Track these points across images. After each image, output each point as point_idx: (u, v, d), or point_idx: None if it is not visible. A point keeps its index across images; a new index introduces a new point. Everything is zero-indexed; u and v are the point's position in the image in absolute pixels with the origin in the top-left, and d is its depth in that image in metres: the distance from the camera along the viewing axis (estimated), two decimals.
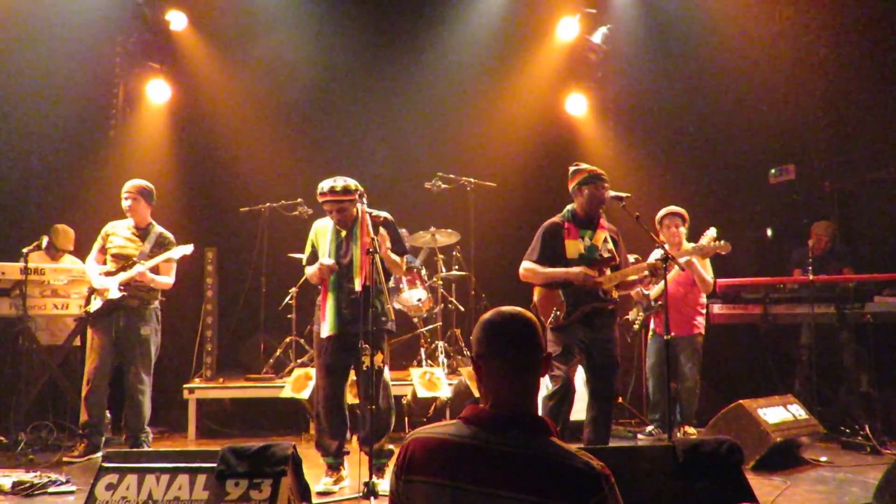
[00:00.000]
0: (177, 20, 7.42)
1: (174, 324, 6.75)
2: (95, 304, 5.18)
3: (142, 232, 5.33)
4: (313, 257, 4.61)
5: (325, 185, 4.43)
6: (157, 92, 7.43)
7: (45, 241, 5.89)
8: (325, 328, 4.44)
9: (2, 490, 4.25)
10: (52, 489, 4.29)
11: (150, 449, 4.93)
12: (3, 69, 6.39)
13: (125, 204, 5.25)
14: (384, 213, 4.60)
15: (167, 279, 5.30)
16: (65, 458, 5.03)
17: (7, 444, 5.37)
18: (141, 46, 7.42)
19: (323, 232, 4.60)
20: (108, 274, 5.19)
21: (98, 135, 7.18)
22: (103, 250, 5.30)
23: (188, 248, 5.33)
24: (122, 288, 5.12)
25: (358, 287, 4.38)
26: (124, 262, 5.21)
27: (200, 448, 5.54)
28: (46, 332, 6.09)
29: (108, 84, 7.31)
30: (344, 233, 4.53)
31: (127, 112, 7.44)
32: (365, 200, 4.45)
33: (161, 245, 5.32)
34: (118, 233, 5.31)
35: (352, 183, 4.41)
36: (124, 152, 7.19)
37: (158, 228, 5.39)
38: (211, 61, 7.69)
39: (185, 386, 6.10)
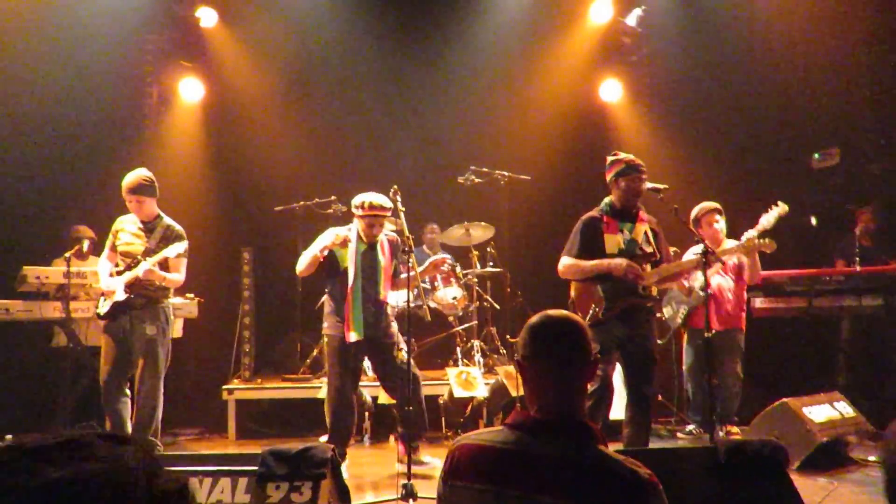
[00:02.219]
0: (207, 17, 7.41)
1: (212, 324, 6.84)
2: (104, 306, 5.01)
3: (148, 226, 5.07)
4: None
5: (365, 199, 4.72)
6: (190, 90, 7.46)
7: (86, 244, 6.00)
8: (352, 334, 4.72)
9: None
10: None
11: (193, 452, 4.96)
12: (36, 70, 6.47)
13: (131, 206, 5.03)
14: (396, 235, 4.98)
15: (177, 276, 5.04)
16: None
17: None
18: (172, 44, 7.46)
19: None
20: (120, 273, 5.01)
21: (132, 134, 7.23)
22: (114, 248, 5.10)
23: (182, 246, 5.01)
24: (127, 289, 4.92)
25: (382, 295, 4.81)
26: (130, 259, 5.00)
27: (241, 450, 5.66)
28: (89, 334, 6.18)
29: (141, 83, 7.36)
30: (365, 246, 4.82)
31: (161, 111, 7.49)
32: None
33: (168, 239, 5.04)
34: (126, 228, 5.07)
35: (387, 200, 4.71)
36: (159, 152, 7.23)
37: (166, 221, 5.12)
38: (242, 58, 7.68)
39: (223, 387, 6.17)
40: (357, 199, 4.76)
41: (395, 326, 4.97)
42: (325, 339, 4.98)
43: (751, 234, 4.98)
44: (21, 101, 6.44)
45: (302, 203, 6.86)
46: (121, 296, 4.93)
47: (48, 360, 5.95)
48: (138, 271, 4.86)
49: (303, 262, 4.83)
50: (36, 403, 5.90)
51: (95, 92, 6.75)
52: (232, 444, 5.94)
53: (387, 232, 4.91)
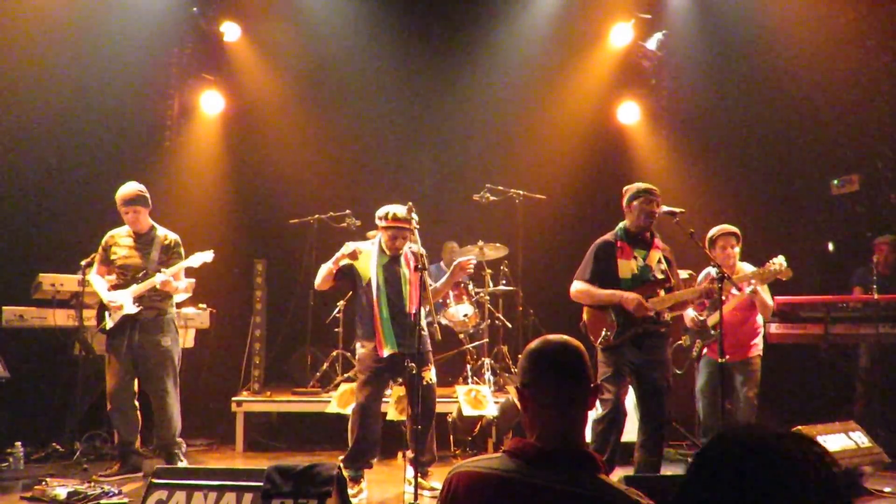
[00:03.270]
0: (231, 31, 7.52)
1: (223, 335, 6.86)
2: (111, 320, 5.01)
3: (143, 238, 5.12)
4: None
5: (389, 210, 4.67)
6: (211, 103, 7.54)
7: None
8: (386, 349, 4.64)
9: (57, 500, 4.35)
10: (104, 500, 4.36)
11: (199, 466, 4.95)
12: (61, 80, 6.54)
13: (128, 218, 5.07)
14: (422, 248, 4.83)
15: (182, 284, 5.16)
16: (94, 478, 4.89)
17: (63, 453, 5.50)
18: (196, 58, 7.56)
19: (366, 253, 4.79)
20: (117, 287, 5.03)
21: (153, 146, 7.32)
22: (106, 262, 5.12)
23: (209, 255, 5.12)
24: (136, 302, 4.96)
25: (411, 309, 4.68)
26: (133, 272, 5.02)
27: (248, 463, 5.66)
28: (101, 342, 6.20)
29: (163, 95, 7.45)
30: (387, 258, 4.75)
31: (181, 123, 7.57)
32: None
33: (169, 249, 5.11)
34: (120, 242, 5.10)
35: (410, 211, 4.63)
36: (178, 163, 7.33)
37: (161, 231, 5.16)
38: (263, 73, 7.78)
39: (233, 399, 6.16)
40: (381, 211, 4.72)
41: (428, 343, 4.81)
42: (357, 356, 4.87)
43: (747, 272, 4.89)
44: (46, 109, 6.53)
45: (316, 216, 6.87)
46: (131, 308, 4.94)
47: (61, 368, 5.98)
48: (155, 281, 4.89)
49: (319, 276, 4.79)
50: (47, 411, 5.94)
51: (119, 103, 6.84)
52: (239, 456, 5.94)
53: (410, 245, 4.81)
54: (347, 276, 4.80)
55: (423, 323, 4.71)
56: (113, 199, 6.68)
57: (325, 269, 4.74)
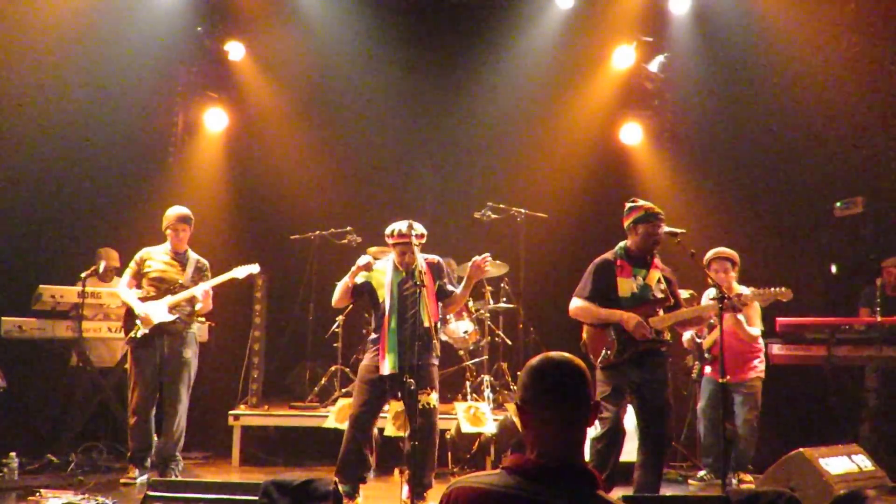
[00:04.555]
0: (235, 50, 7.59)
1: (221, 349, 6.84)
2: (142, 330, 5.15)
3: (180, 256, 5.38)
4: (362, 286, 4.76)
5: (394, 227, 4.64)
6: (215, 120, 7.60)
7: (102, 265, 6.06)
8: (386, 366, 4.56)
9: None
10: None
11: (195, 479, 4.93)
12: (66, 96, 6.61)
13: (176, 235, 5.30)
14: (436, 257, 4.82)
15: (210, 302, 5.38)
16: (122, 480, 5.09)
17: (59, 465, 5.48)
18: (200, 76, 7.63)
19: (381, 270, 4.76)
20: (148, 299, 5.21)
21: (157, 161, 7.38)
22: (138, 275, 5.31)
23: (255, 268, 5.48)
24: (171, 311, 5.18)
25: (428, 322, 4.57)
26: (167, 285, 5.25)
27: (244, 476, 5.63)
28: (100, 354, 6.20)
29: (168, 112, 7.52)
30: (403, 273, 4.70)
31: (186, 139, 7.63)
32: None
33: (200, 270, 5.39)
34: (155, 258, 5.33)
35: (419, 226, 4.63)
36: (182, 178, 7.37)
37: (194, 255, 5.44)
38: (266, 90, 7.84)
39: (230, 412, 6.14)
40: (388, 229, 4.68)
41: (434, 363, 4.70)
42: (361, 364, 4.83)
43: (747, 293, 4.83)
44: (51, 124, 6.58)
45: (318, 232, 6.90)
46: (167, 317, 5.16)
47: (59, 380, 5.97)
48: (196, 291, 5.19)
49: (336, 293, 4.79)
50: (43, 422, 5.91)
51: (124, 118, 6.92)
52: (236, 470, 5.91)
53: (425, 256, 4.76)
54: (365, 293, 4.78)
55: (434, 341, 4.68)
56: (120, 211, 6.80)
57: (341, 286, 4.74)
